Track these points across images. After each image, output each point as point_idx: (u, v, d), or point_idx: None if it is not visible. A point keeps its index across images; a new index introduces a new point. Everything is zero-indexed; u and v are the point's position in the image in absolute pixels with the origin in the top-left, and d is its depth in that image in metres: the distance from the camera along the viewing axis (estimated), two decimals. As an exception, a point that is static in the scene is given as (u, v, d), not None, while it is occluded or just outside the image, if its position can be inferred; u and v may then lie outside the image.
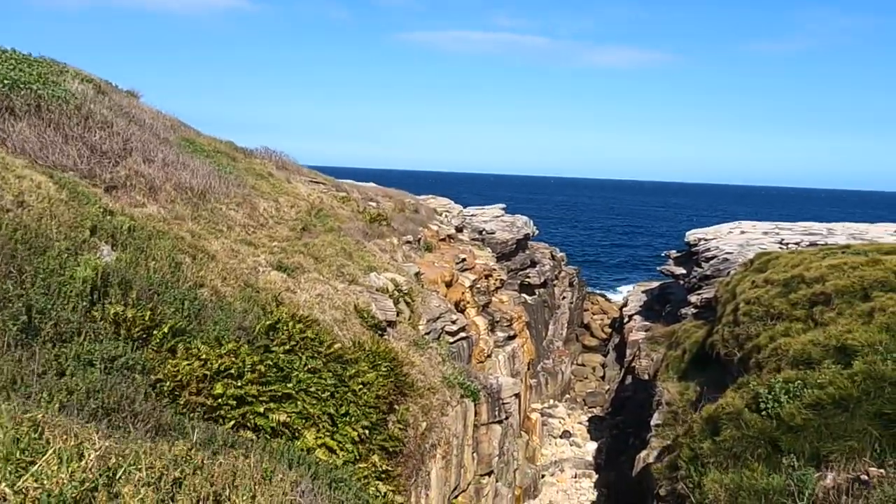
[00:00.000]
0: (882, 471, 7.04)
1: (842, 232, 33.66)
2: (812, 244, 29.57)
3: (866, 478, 7.08)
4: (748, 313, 16.99)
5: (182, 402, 7.35)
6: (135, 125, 18.99)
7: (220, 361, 8.06)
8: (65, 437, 3.90)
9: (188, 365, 7.68)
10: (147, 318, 8.10)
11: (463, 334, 20.78)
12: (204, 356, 7.98)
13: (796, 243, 31.22)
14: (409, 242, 25.62)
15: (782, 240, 32.52)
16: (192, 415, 7.18)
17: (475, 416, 15.94)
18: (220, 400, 7.69)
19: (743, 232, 35.45)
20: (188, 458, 3.79)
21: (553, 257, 45.99)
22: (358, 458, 9.48)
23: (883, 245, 20.82)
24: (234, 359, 8.30)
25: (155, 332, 8.10)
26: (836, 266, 16.42)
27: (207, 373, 7.79)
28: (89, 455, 3.65)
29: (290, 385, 8.91)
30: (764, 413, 10.07)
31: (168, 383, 7.40)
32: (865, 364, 9.82)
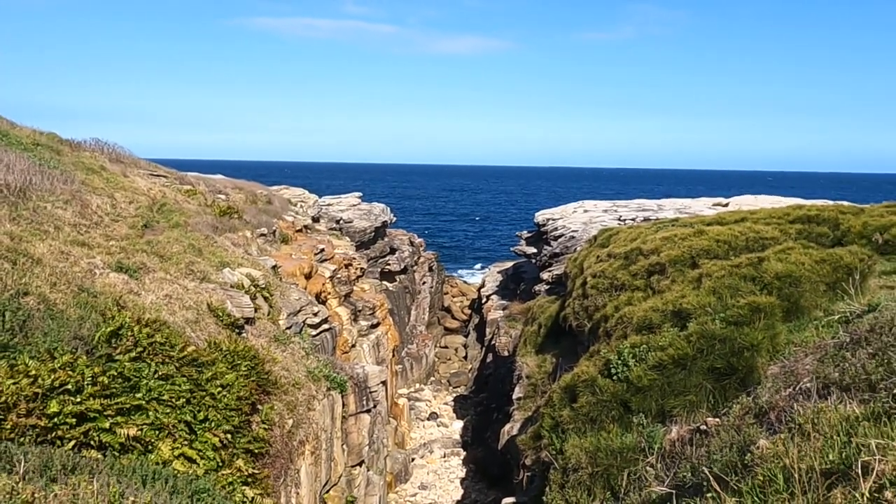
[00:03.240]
0: (718, 420, 7.78)
1: (670, 207, 37.00)
2: (646, 219, 32.22)
3: (705, 427, 7.79)
4: (595, 286, 18.15)
5: (9, 427, 6.49)
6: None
7: (53, 377, 7.21)
8: None
9: (14, 384, 6.80)
10: (-41, 334, 7.07)
11: (325, 326, 20.38)
12: (33, 372, 7.10)
13: (632, 219, 33.86)
14: (263, 235, 24.62)
15: (620, 216, 35.12)
16: (22, 439, 6.36)
17: (343, 407, 15.71)
18: (56, 419, 6.89)
19: (586, 211, 37.83)
20: (14, 492, 3.26)
21: (412, 243, 46.40)
22: (221, 464, 8.97)
23: (705, 217, 23.12)
24: (70, 372, 7.47)
25: (-30, 350, 7.10)
26: (668, 238, 17.96)
27: (39, 390, 6.94)
28: None
29: (139, 395, 8.21)
30: (615, 377, 10.78)
31: (-10, 407, 6.51)
32: (698, 325, 10.80)
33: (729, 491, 3.43)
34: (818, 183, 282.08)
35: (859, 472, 2.65)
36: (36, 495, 3.35)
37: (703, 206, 36.41)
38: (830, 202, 28.67)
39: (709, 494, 3.47)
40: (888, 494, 2.45)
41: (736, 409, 7.71)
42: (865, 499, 2.53)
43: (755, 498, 3.20)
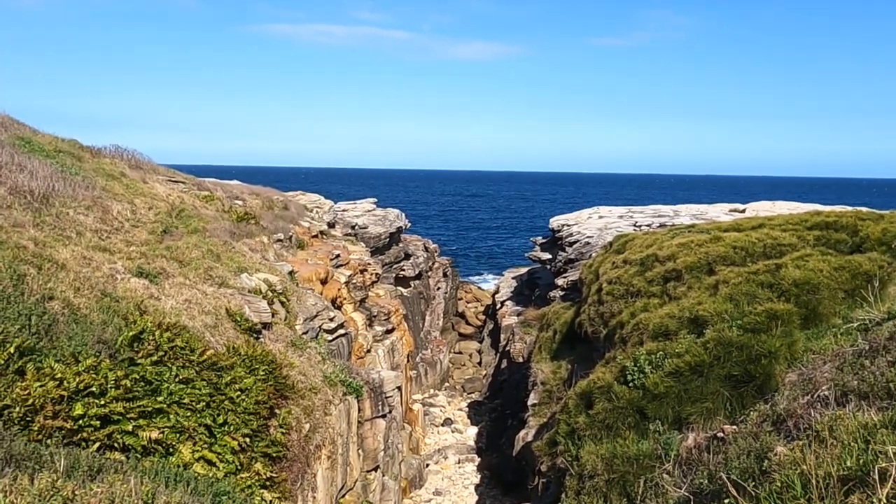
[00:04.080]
0: (735, 427, 7.77)
1: (686, 213, 36.81)
2: (662, 225, 32.09)
3: (722, 434, 7.78)
4: (611, 292, 18.11)
5: (36, 429, 6.64)
6: (-44, 123, 16.89)
7: (78, 380, 7.37)
8: None
9: (41, 386, 6.95)
10: (-13, 338, 7.24)
11: (341, 331, 20.51)
12: (59, 375, 7.26)
13: (648, 225, 33.74)
14: (280, 241, 24.84)
15: (636, 222, 35.00)
16: (48, 441, 6.51)
17: (359, 412, 15.80)
18: (81, 421, 7.03)
19: (601, 217, 37.72)
20: (55, 488, 3.38)
21: (426, 249, 46.51)
22: (240, 468, 9.08)
23: (722, 223, 22.99)
24: (94, 375, 7.62)
25: (-2, 353, 7.26)
26: (684, 244, 17.90)
27: (64, 393, 7.09)
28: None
29: (160, 399, 8.35)
30: (631, 384, 10.77)
31: (18, 409, 6.65)
32: (715, 332, 10.78)
33: (746, 497, 3.46)
34: (838, 188, 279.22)
35: (877, 478, 2.68)
36: (76, 492, 3.47)
37: (720, 212, 36.18)
38: (849, 208, 28.41)
39: (726, 500, 3.50)
40: (905, 500, 2.48)
41: (753, 417, 7.69)
42: (882, 504, 2.57)
43: (773, 503, 3.23)
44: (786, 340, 10.06)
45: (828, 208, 28.69)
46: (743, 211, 36.19)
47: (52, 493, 3.31)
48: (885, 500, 2.56)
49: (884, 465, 2.70)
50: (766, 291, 12.33)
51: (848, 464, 3.04)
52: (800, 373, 9.14)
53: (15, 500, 3.16)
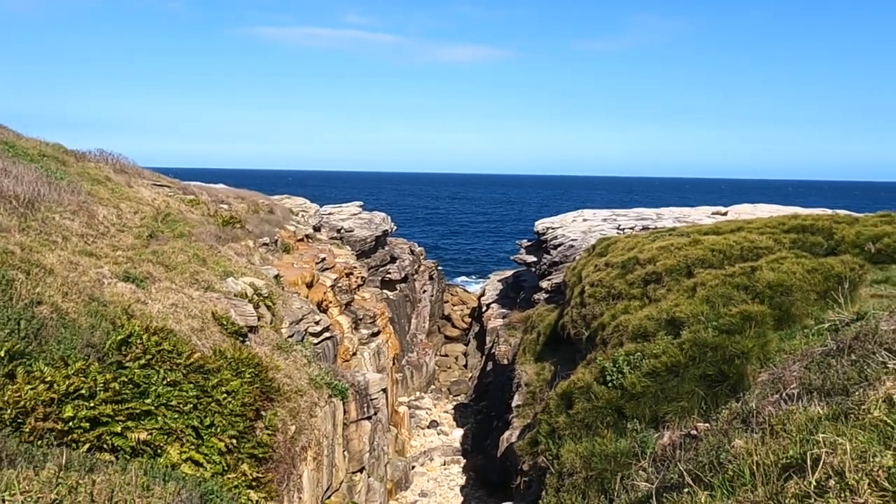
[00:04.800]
0: (707, 425, 8.06)
1: (669, 216, 37.31)
2: (644, 228, 32.52)
3: (695, 432, 8.07)
4: (593, 295, 18.44)
5: (27, 430, 6.78)
6: (-59, 128, 16.88)
7: (67, 382, 7.51)
8: None
9: (31, 389, 7.10)
10: (-23, 342, 7.37)
11: (327, 334, 20.66)
12: (49, 378, 7.40)
13: (631, 228, 34.18)
14: (265, 244, 24.95)
15: (619, 225, 35.43)
16: (40, 442, 6.66)
17: (344, 414, 15.97)
18: (71, 423, 7.18)
19: (585, 220, 38.14)
20: (58, 478, 3.58)
21: (412, 252, 46.72)
22: (227, 468, 9.25)
23: (702, 227, 23.42)
24: (83, 378, 7.77)
25: (-12, 357, 7.39)
26: (664, 247, 18.27)
27: (54, 396, 7.24)
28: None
29: (148, 401, 8.50)
30: (610, 384, 11.06)
31: (9, 411, 6.80)
32: (691, 333, 11.10)
33: (702, 486, 3.72)
34: (822, 191, 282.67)
35: (809, 464, 2.94)
36: (80, 482, 3.66)
37: (703, 215, 36.71)
38: (829, 211, 28.98)
39: (685, 490, 3.75)
40: (832, 483, 2.73)
41: (724, 415, 7.99)
42: (813, 487, 2.82)
43: (724, 491, 3.48)
44: (759, 341, 10.39)
45: (806, 211, 29.27)
46: (725, 214, 36.74)
47: (56, 482, 3.50)
48: (814, 484, 2.82)
49: (817, 452, 2.96)
50: (742, 293, 12.67)
51: (790, 453, 3.30)
52: (771, 372, 9.47)
53: (27, 487, 3.36)
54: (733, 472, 3.52)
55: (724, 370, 9.97)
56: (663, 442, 8.98)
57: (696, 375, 10.20)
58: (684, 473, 3.87)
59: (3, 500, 3.31)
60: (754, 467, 3.34)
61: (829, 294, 12.42)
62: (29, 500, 3.35)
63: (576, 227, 36.13)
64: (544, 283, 32.63)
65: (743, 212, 36.62)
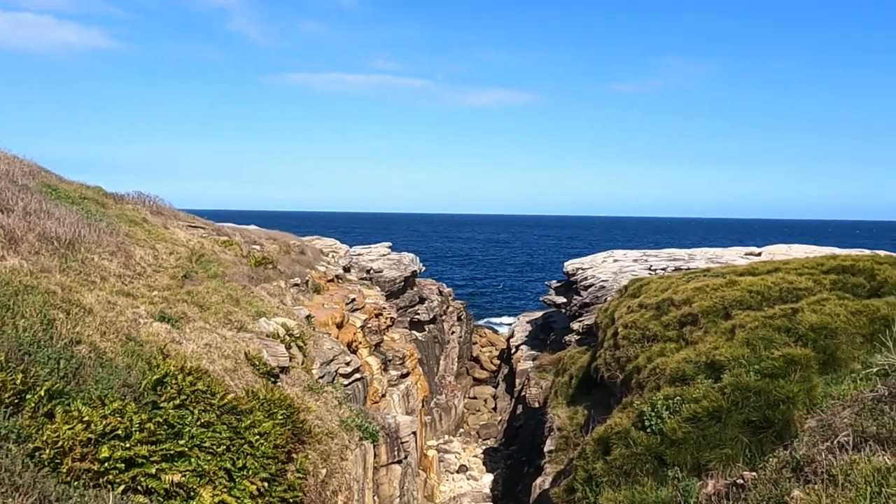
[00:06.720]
0: (755, 473, 7.73)
1: (701, 257, 36.75)
2: (677, 269, 32.04)
3: (742, 481, 7.74)
4: (627, 336, 18.08)
5: (65, 470, 6.78)
6: (-11, 172, 17.51)
7: (104, 422, 7.53)
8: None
9: (69, 429, 7.12)
10: (19, 381, 7.44)
11: (357, 375, 20.56)
12: (87, 418, 7.43)
13: (663, 269, 33.70)
14: (297, 285, 25.12)
15: (651, 266, 34.98)
16: (76, 483, 6.64)
17: (374, 457, 15.75)
18: (107, 464, 7.17)
19: (616, 260, 37.76)
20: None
21: (440, 293, 46.64)
22: (258, 512, 9.12)
23: (737, 267, 22.96)
24: (120, 418, 7.78)
25: (28, 396, 7.45)
26: (699, 288, 17.91)
27: (91, 436, 7.25)
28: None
29: (182, 442, 8.47)
30: (649, 430, 10.73)
31: (48, 451, 6.81)
32: (732, 377, 10.76)
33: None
34: (858, 231, 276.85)
35: (888, 519, 2.76)
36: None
37: (735, 256, 36.09)
38: (867, 251, 28.24)
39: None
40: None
41: (773, 463, 7.66)
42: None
43: (790, 546, 3.29)
44: (804, 386, 10.02)
45: (844, 252, 28.56)
46: (759, 254, 36.08)
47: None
48: (895, 541, 2.64)
49: (894, 506, 2.79)
50: (783, 336, 12.31)
51: (861, 506, 3.11)
52: (819, 418, 9.10)
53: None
54: (798, 526, 3.33)
55: (769, 415, 9.61)
56: (707, 491, 8.63)
57: (739, 421, 9.85)
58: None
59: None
60: (822, 521, 3.17)
61: (875, 337, 11.99)
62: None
63: (606, 267, 35.77)
64: (575, 325, 32.19)
65: (777, 252, 35.94)
